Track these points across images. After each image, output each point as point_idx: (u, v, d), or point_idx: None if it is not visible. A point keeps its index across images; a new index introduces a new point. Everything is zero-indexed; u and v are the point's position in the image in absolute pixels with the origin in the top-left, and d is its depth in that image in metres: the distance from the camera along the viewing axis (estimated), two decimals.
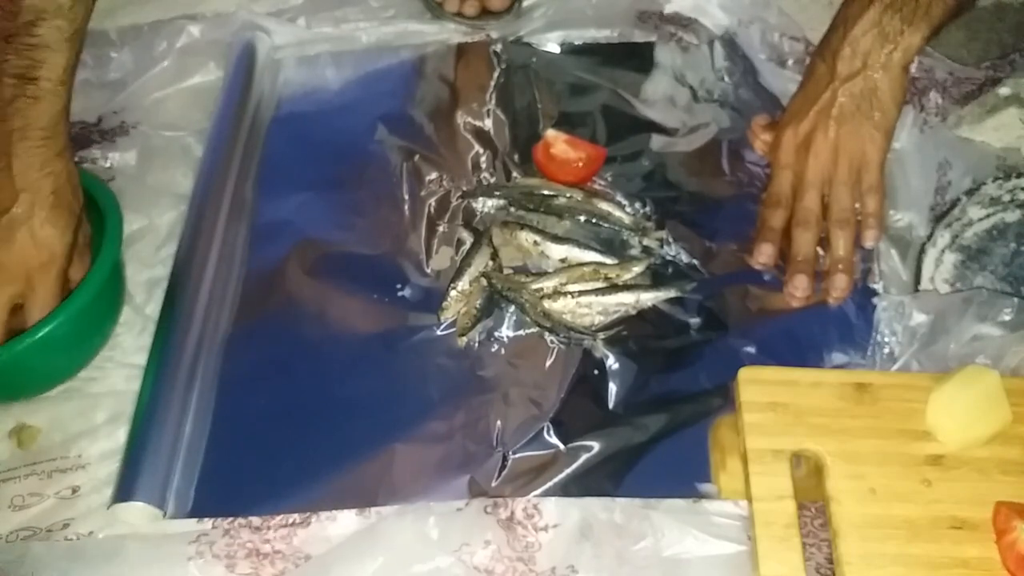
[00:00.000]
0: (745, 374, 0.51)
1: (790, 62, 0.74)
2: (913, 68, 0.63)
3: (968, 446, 0.48)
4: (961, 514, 0.46)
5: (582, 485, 0.52)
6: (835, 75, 0.62)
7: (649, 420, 0.55)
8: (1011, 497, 0.47)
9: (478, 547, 0.48)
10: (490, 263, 0.62)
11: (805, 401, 0.50)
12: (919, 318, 0.57)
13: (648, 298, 0.60)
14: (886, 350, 0.57)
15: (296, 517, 0.51)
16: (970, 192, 0.65)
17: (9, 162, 0.52)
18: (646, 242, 0.64)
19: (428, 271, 0.63)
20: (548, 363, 0.58)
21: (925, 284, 0.60)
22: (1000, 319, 0.56)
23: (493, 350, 0.58)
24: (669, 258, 0.63)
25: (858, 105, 0.62)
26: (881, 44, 0.60)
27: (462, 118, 0.72)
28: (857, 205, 0.63)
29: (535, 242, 0.62)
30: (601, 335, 0.58)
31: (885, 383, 0.51)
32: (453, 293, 0.60)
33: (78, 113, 0.72)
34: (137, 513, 0.51)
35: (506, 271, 0.62)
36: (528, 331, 0.59)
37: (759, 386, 0.50)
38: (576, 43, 0.78)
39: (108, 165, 0.69)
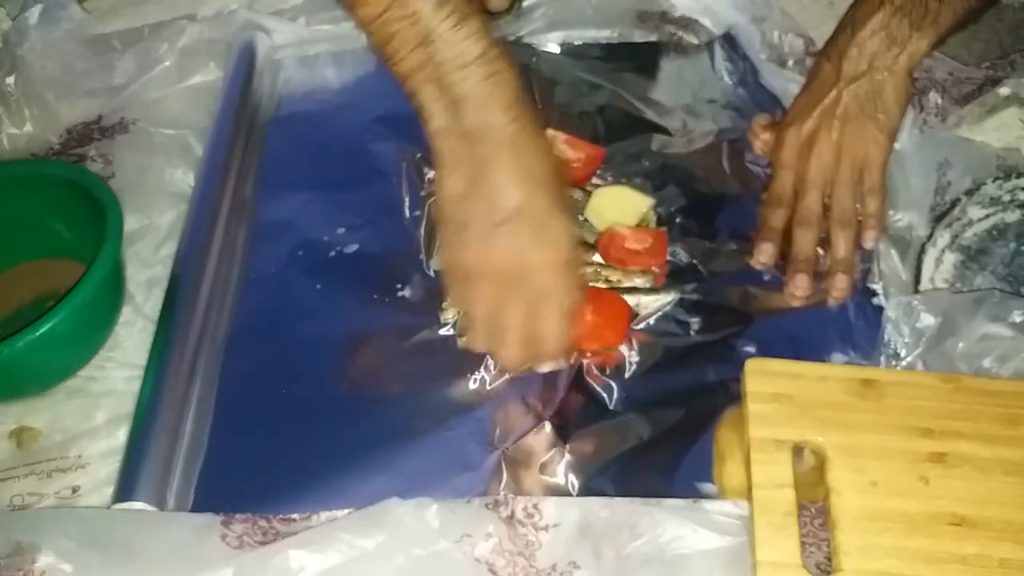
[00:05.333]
0: (752, 365, 0.51)
1: (791, 62, 0.74)
2: None
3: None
4: (961, 511, 0.46)
5: (582, 485, 0.52)
6: (840, 75, 0.62)
7: (649, 420, 0.55)
8: (1013, 499, 0.47)
9: (480, 539, 0.48)
10: None
11: (810, 394, 0.50)
12: (928, 319, 0.57)
13: (648, 302, 0.60)
14: (891, 349, 0.57)
15: (295, 516, 0.51)
16: (970, 192, 0.64)
17: None
18: None
19: (428, 271, 0.63)
20: None
21: (925, 284, 0.60)
22: (1011, 320, 0.55)
23: None
24: (669, 258, 0.63)
25: (862, 106, 0.62)
26: (888, 47, 0.61)
27: None
28: (858, 206, 0.63)
29: None
30: None
31: (891, 380, 0.51)
32: None
33: (78, 113, 0.73)
34: None
35: None
36: None
37: (765, 377, 0.50)
38: (576, 43, 0.78)
39: (108, 163, 0.69)
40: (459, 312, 0.59)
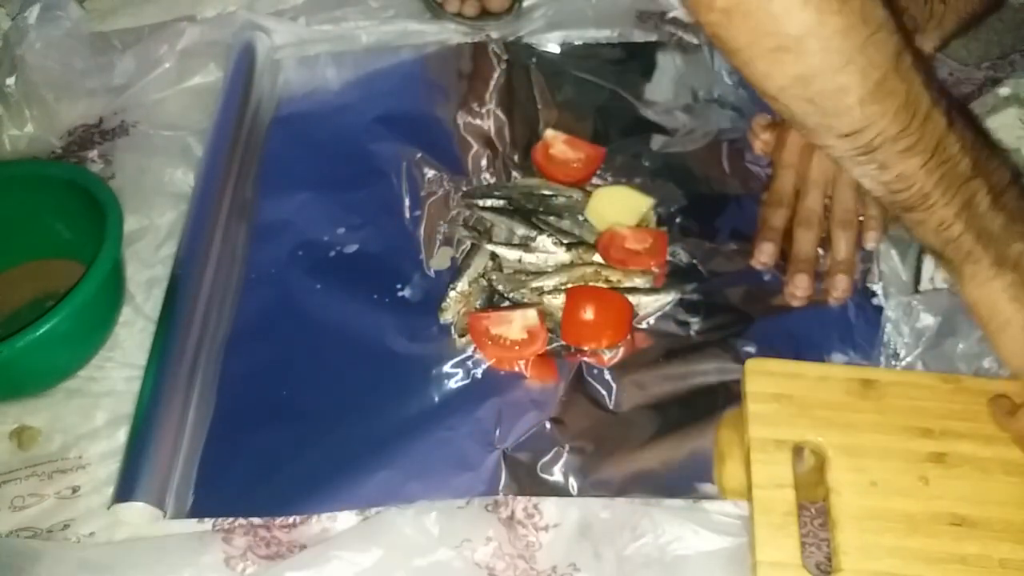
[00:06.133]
0: (752, 365, 0.51)
1: None
2: None
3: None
4: (962, 511, 0.46)
5: (582, 485, 0.52)
6: None
7: (649, 420, 0.55)
8: (1013, 499, 0.47)
9: (479, 543, 0.48)
10: (490, 263, 0.62)
11: (810, 394, 0.50)
12: (928, 319, 0.57)
13: (648, 302, 0.60)
14: (891, 349, 0.57)
15: (296, 518, 0.51)
16: None
17: None
18: None
19: (428, 271, 0.63)
20: None
21: (925, 284, 0.60)
22: None
23: None
24: (669, 258, 0.63)
25: None
26: None
27: (462, 118, 0.72)
28: (859, 206, 0.63)
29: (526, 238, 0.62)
30: None
31: (891, 380, 0.51)
32: (453, 294, 0.60)
33: (79, 113, 0.73)
34: (137, 513, 0.50)
35: (506, 271, 0.62)
36: None
37: (765, 377, 0.51)
38: (576, 43, 0.78)
39: (108, 164, 0.69)
40: (459, 312, 0.60)
